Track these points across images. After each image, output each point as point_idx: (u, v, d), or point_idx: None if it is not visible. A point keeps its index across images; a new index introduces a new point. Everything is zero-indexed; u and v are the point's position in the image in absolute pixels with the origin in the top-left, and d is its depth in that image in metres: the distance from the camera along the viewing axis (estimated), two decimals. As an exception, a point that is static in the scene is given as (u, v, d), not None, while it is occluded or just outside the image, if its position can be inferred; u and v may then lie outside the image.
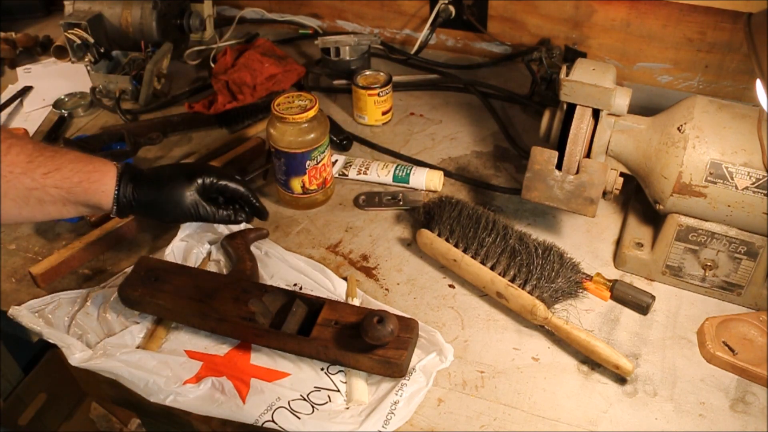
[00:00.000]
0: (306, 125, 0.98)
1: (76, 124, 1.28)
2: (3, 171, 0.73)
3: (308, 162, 1.01)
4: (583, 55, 1.28)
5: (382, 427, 0.74)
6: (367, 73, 1.25)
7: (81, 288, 0.92)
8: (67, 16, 1.25)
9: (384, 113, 1.24)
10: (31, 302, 0.88)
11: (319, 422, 0.75)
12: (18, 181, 0.74)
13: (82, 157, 0.80)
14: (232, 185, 0.91)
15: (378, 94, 1.21)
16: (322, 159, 1.02)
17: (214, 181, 0.89)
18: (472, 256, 0.90)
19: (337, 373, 0.81)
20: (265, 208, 0.95)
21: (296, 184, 1.03)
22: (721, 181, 0.83)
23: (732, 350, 0.82)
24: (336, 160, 1.14)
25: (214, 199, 0.92)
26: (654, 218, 0.96)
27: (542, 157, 0.89)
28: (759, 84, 0.76)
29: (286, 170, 1.02)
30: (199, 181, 0.87)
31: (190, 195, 0.87)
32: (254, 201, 0.93)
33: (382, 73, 1.24)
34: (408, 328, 0.80)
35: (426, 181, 1.09)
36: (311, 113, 0.97)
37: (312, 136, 0.99)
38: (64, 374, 1.26)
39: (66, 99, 1.33)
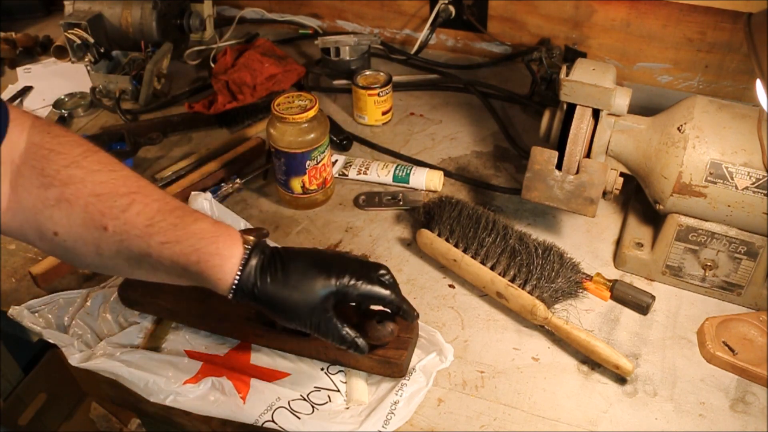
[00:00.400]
0: (306, 125, 0.98)
1: (76, 124, 1.28)
2: (119, 229, 0.64)
3: (308, 162, 1.01)
4: (583, 55, 1.28)
5: (382, 427, 0.74)
6: (367, 73, 1.25)
7: (81, 288, 0.92)
8: (67, 16, 1.25)
9: (384, 113, 1.24)
10: (31, 302, 0.88)
11: (319, 422, 0.75)
12: (132, 243, 0.65)
13: (208, 231, 0.67)
14: (377, 291, 0.72)
15: (378, 94, 1.21)
16: (322, 159, 1.02)
17: (357, 283, 0.71)
18: (472, 256, 0.90)
19: (337, 373, 0.81)
20: (415, 309, 0.76)
21: (296, 184, 1.03)
22: (721, 181, 0.83)
23: (732, 350, 0.82)
24: (336, 160, 1.14)
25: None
26: (654, 218, 0.96)
27: (542, 157, 0.89)
28: (759, 84, 0.76)
29: (286, 170, 1.02)
30: (336, 281, 0.70)
31: (321, 302, 0.69)
32: (406, 308, 0.75)
33: (382, 73, 1.24)
34: (408, 328, 0.80)
35: (426, 181, 1.09)
36: (311, 113, 0.97)
37: (312, 136, 0.99)
38: (64, 374, 1.25)
39: (66, 99, 1.33)
